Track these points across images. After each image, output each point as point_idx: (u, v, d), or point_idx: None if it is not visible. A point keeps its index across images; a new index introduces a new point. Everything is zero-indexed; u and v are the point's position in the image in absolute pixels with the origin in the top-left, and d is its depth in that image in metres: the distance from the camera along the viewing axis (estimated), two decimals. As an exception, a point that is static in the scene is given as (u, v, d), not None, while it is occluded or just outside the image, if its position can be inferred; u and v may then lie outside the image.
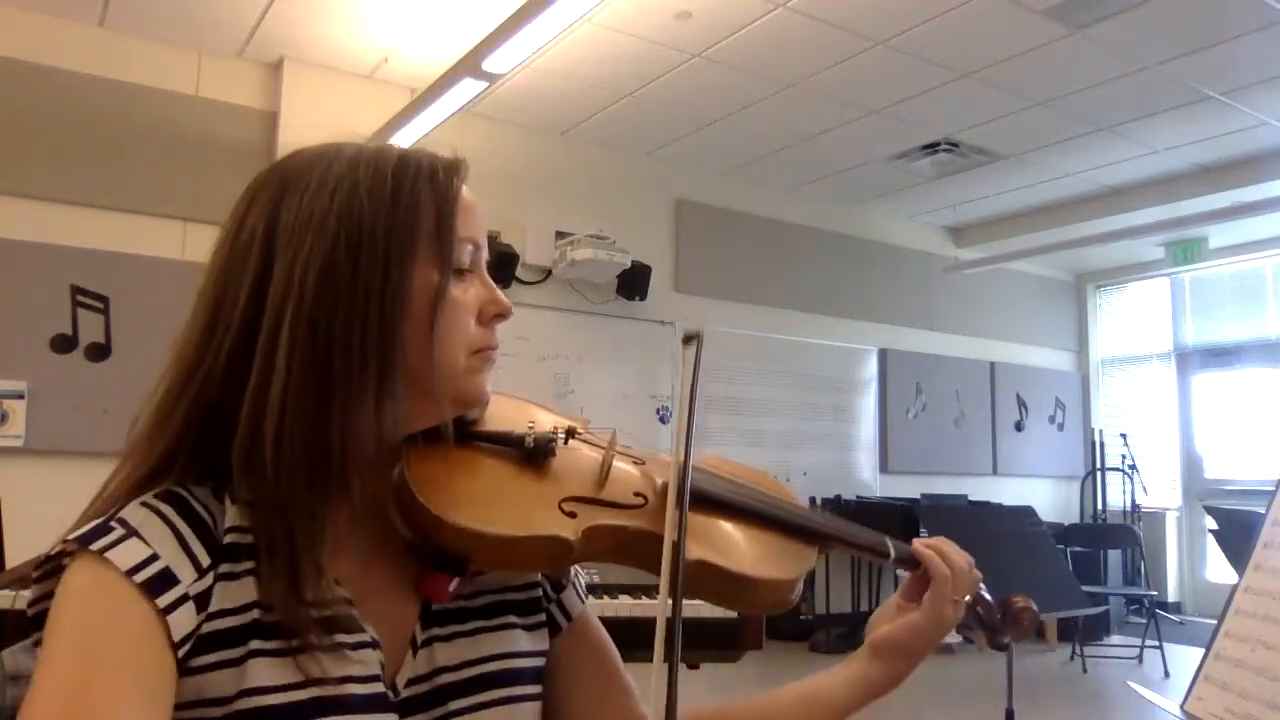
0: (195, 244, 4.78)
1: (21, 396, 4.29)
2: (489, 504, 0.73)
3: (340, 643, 0.67)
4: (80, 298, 4.47)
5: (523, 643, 0.80)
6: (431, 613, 0.75)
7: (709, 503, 0.84)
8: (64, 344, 4.43)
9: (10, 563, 2.76)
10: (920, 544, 0.91)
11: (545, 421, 0.86)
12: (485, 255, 0.78)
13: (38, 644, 0.63)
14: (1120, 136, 5.71)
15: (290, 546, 0.67)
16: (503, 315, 0.77)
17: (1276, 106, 5.23)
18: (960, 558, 0.90)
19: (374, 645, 0.70)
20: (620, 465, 0.84)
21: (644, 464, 0.87)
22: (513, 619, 0.81)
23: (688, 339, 0.78)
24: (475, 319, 0.75)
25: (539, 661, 0.81)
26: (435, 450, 0.75)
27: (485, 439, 0.79)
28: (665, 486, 0.77)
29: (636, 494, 0.81)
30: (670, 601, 0.65)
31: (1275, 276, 7.65)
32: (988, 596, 0.95)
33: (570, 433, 0.84)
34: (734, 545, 0.82)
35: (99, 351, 4.49)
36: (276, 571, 0.66)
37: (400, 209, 0.71)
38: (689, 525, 0.77)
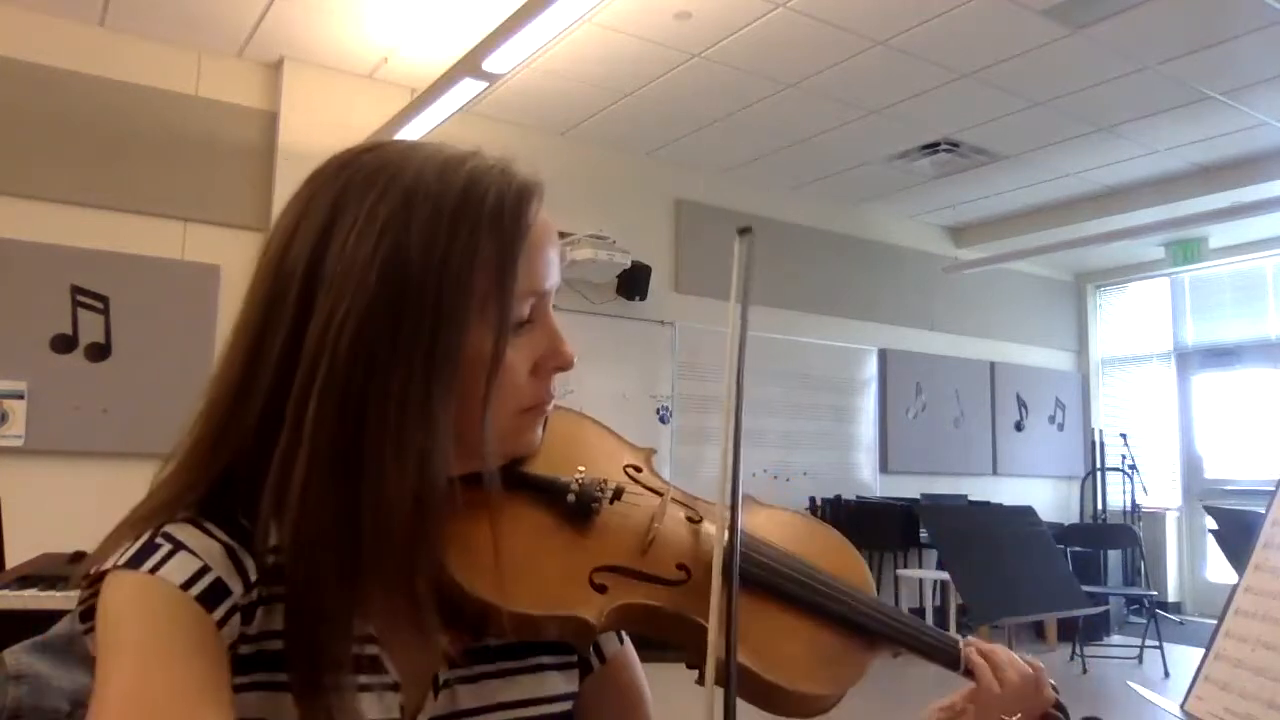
0: (195, 244, 4.78)
1: (21, 396, 4.28)
2: (512, 573, 0.67)
3: (362, 684, 0.64)
4: (80, 298, 4.47)
5: (554, 685, 0.75)
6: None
7: (757, 585, 0.75)
8: (64, 344, 4.42)
9: (10, 563, 2.76)
10: (975, 653, 0.82)
11: (603, 456, 0.78)
12: (555, 291, 0.70)
13: (87, 631, 0.61)
14: (1120, 136, 5.71)
15: (315, 617, 0.62)
16: (562, 368, 0.69)
17: (1276, 106, 5.23)
18: (1015, 673, 0.81)
19: (394, 688, 0.67)
20: (670, 526, 0.75)
21: (699, 520, 0.78)
22: (545, 659, 0.75)
23: (741, 231, 0.71)
24: (530, 372, 0.68)
25: (568, 705, 0.76)
26: (465, 497, 0.67)
27: (527, 484, 0.72)
28: (710, 560, 0.68)
29: (680, 566, 0.73)
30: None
31: (1275, 276, 7.65)
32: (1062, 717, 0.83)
33: (618, 493, 0.75)
34: (777, 644, 0.73)
35: (99, 351, 4.48)
36: (300, 627, 0.62)
37: (453, 262, 0.63)
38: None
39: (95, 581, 0.61)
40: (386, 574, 0.64)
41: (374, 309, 0.62)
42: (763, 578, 0.76)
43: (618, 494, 0.75)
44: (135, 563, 0.59)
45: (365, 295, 0.62)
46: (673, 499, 0.78)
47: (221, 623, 0.60)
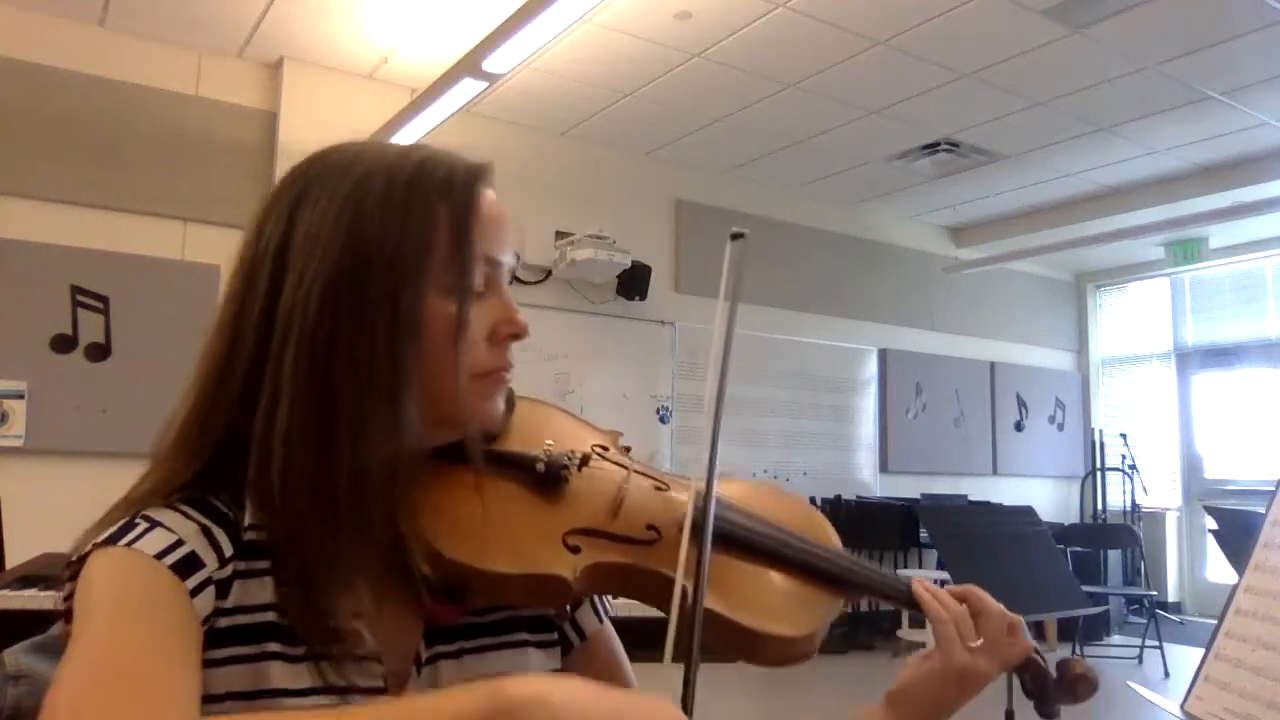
0: (195, 244, 4.78)
1: (21, 396, 4.29)
2: (488, 536, 0.70)
3: (347, 653, 0.67)
4: (80, 298, 4.47)
5: (535, 662, 0.78)
6: (436, 630, 0.73)
7: (727, 541, 0.79)
8: (64, 344, 4.42)
9: (10, 563, 2.76)
10: (921, 586, 0.86)
11: (569, 436, 0.82)
12: (509, 265, 0.74)
13: (68, 612, 0.63)
14: (1120, 136, 5.71)
15: (302, 567, 0.66)
16: (517, 336, 0.73)
17: (1276, 106, 5.23)
18: (956, 606, 0.84)
19: (376, 659, 0.69)
20: (638, 492, 0.79)
21: (666, 489, 0.82)
22: (525, 636, 0.78)
23: (735, 236, 0.74)
24: (486, 339, 0.72)
25: None
26: (441, 470, 0.72)
27: (497, 460, 0.75)
28: (681, 521, 0.73)
29: (650, 527, 0.77)
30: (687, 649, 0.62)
31: (1275, 276, 7.65)
32: (1042, 662, 0.86)
33: (585, 460, 0.79)
34: (749, 593, 0.76)
35: (99, 351, 4.49)
36: (290, 581, 0.66)
37: (412, 226, 0.68)
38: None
39: (78, 567, 0.63)
40: (363, 527, 0.68)
41: (339, 269, 0.66)
42: (732, 533, 0.80)
43: (584, 461, 0.79)
44: (113, 539, 0.63)
45: (331, 257, 0.66)
46: (638, 470, 0.82)
47: (195, 592, 0.63)
